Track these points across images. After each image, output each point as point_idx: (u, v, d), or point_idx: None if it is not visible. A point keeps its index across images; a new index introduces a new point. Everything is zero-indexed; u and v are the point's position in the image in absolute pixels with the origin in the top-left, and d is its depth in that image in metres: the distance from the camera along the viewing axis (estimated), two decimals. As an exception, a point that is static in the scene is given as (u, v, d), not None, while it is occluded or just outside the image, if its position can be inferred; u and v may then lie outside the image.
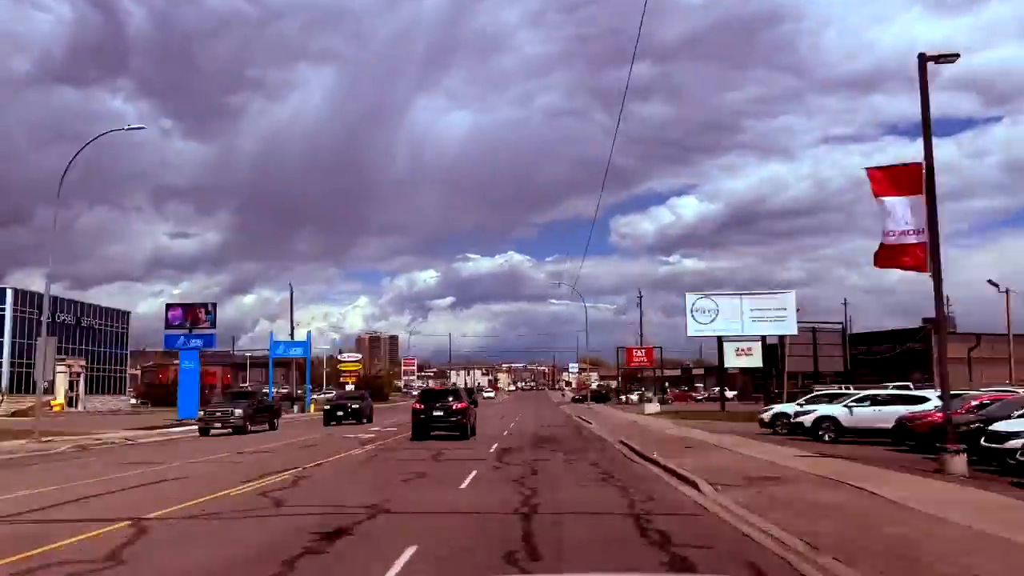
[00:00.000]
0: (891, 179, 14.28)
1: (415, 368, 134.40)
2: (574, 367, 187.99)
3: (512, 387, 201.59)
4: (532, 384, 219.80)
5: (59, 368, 49.97)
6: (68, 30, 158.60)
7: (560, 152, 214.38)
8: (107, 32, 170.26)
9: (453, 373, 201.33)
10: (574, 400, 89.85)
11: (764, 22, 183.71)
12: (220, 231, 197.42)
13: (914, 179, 14.13)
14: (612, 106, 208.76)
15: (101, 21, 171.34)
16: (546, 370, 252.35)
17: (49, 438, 24.06)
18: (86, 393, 65.65)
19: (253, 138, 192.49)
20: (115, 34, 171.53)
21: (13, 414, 47.71)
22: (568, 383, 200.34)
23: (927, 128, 14.41)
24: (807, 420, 23.26)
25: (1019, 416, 14.98)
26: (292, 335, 63.11)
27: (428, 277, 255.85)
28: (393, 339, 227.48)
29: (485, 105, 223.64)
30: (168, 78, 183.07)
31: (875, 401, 22.94)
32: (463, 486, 13.23)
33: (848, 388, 33.35)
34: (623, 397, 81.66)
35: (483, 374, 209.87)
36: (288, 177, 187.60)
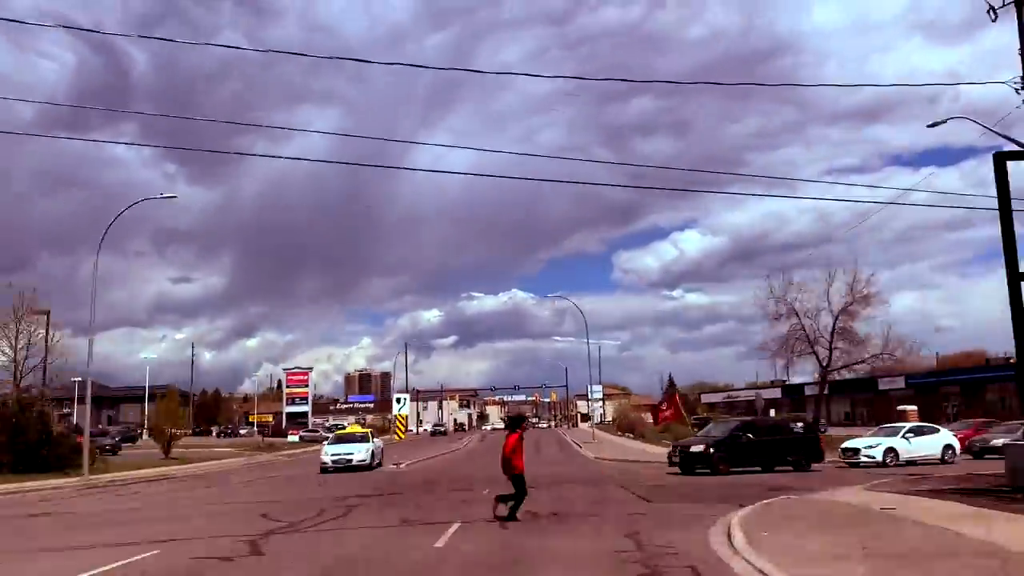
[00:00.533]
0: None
1: (307, 392, 73.26)
2: (597, 390, 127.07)
3: (498, 424, 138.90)
4: (530, 420, 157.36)
5: None
6: (72, 77, 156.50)
7: (562, 189, 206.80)
8: (110, 78, 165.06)
9: (419, 405, 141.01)
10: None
11: (765, 56, 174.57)
12: (223, 275, 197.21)
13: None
14: (614, 141, 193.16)
15: (104, 67, 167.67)
16: (550, 400, 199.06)
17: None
18: None
19: (256, 181, 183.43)
20: (118, 80, 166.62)
21: None
22: (585, 416, 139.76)
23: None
24: None
25: None
26: None
27: (432, 316, 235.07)
28: (385, 375, 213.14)
29: (487, 143, 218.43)
30: (171, 122, 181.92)
31: None
32: None
33: None
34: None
35: (461, 406, 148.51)
36: (292, 219, 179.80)
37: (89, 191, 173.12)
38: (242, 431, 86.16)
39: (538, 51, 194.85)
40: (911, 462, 24.50)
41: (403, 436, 67.70)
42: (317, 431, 71.21)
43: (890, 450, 24.46)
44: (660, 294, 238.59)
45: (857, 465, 24.39)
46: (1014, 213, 14.14)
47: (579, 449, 43.81)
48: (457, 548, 10.02)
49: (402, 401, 76.95)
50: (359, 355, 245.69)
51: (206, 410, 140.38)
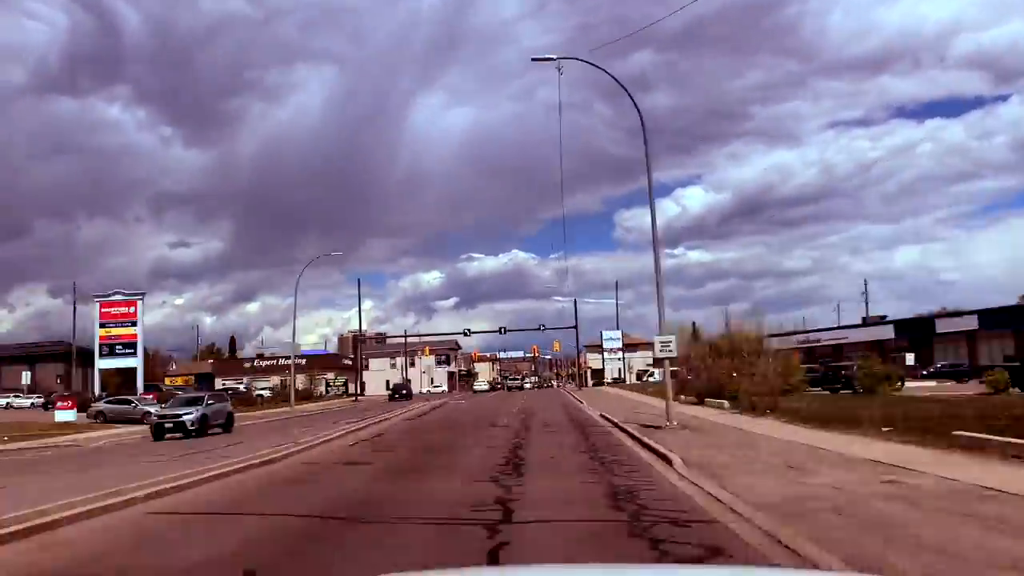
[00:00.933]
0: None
1: (136, 335, 41.33)
2: (614, 336, 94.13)
3: (482, 386, 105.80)
4: (520, 379, 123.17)
5: None
6: (63, 38, 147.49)
7: (564, 147, 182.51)
8: (103, 39, 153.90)
9: (387, 361, 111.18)
10: None
11: (770, 5, 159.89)
12: (222, 239, 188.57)
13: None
14: (613, 97, 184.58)
15: (96, 28, 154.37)
16: (549, 358, 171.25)
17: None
18: None
19: (253, 142, 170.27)
20: (111, 40, 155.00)
21: None
22: (598, 372, 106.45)
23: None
24: None
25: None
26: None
27: (432, 278, 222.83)
28: (380, 336, 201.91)
29: (486, 100, 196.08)
30: (166, 83, 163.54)
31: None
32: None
33: None
34: None
35: (439, 362, 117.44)
36: (290, 181, 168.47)
37: (83, 155, 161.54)
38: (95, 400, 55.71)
39: (538, 5, 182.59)
40: None
41: None
42: (131, 402, 39.03)
43: None
44: (662, 252, 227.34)
45: None
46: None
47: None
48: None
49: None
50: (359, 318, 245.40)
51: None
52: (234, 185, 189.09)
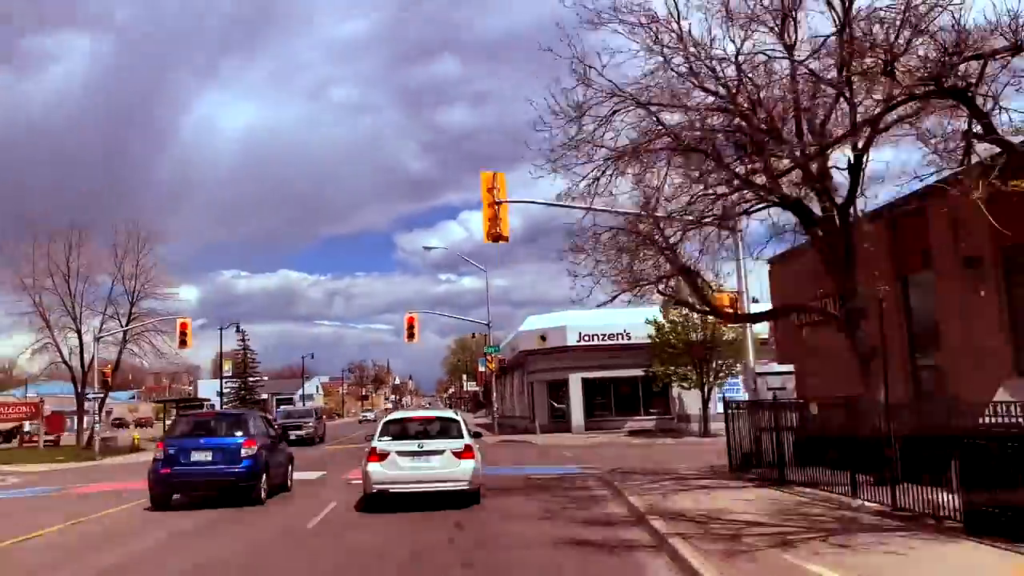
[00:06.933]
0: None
1: None
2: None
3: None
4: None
5: None
6: None
7: (354, 157, 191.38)
8: None
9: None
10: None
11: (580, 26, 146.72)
12: None
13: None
14: (412, 107, 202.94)
15: None
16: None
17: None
18: None
19: None
20: None
21: None
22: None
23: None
24: None
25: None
26: None
27: (188, 293, 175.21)
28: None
29: (274, 97, 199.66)
30: None
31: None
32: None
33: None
34: None
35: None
36: (31, 170, 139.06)
37: None
38: None
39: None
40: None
41: None
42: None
43: None
44: (436, 277, 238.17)
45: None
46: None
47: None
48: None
49: None
50: (90, 338, 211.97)
51: None
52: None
